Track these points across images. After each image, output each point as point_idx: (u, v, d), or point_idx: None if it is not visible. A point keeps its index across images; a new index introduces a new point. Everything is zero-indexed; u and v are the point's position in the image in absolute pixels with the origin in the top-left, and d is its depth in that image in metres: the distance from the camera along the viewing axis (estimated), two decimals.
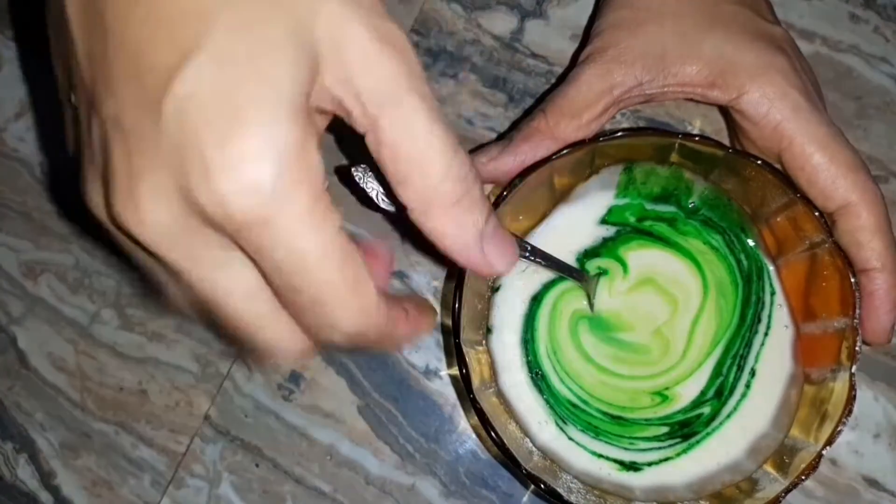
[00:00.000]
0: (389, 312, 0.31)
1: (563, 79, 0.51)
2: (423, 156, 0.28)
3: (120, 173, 0.27)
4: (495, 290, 0.47)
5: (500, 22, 0.53)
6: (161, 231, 0.27)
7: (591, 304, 0.46)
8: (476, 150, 0.45)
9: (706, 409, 0.46)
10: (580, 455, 0.46)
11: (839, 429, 0.39)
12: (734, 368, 0.46)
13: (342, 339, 0.30)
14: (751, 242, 0.46)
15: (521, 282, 0.47)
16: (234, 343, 0.34)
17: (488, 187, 0.51)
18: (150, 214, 0.27)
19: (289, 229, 0.26)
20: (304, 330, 0.30)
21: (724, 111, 0.47)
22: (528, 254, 0.41)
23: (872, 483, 0.48)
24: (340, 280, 0.28)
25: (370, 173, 0.34)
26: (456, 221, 0.30)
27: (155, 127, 0.26)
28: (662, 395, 0.46)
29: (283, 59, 0.26)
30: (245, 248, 0.27)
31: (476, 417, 0.41)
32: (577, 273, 0.46)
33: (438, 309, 0.52)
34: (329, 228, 0.27)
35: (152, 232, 0.27)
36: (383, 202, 0.34)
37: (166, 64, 0.25)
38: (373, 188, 0.33)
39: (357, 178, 0.33)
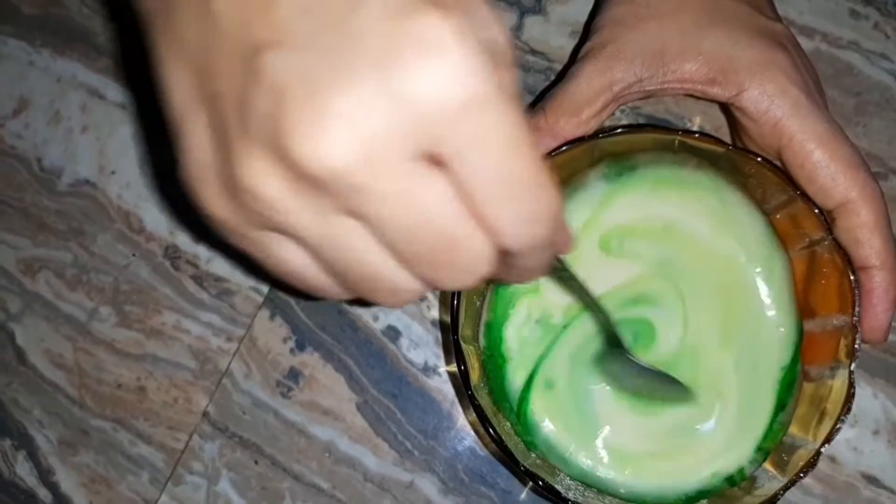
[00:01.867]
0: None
1: (562, 75, 0.51)
2: None
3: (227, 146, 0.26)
4: (496, 286, 0.47)
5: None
6: (278, 206, 0.25)
7: (620, 340, 0.43)
8: None
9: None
10: (576, 458, 0.46)
11: (838, 426, 0.39)
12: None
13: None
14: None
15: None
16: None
17: None
18: (261, 190, 0.25)
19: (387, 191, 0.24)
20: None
21: (725, 108, 0.47)
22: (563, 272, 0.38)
23: (871, 480, 0.48)
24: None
25: None
26: None
27: (251, 93, 0.24)
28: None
29: None
30: (356, 209, 0.25)
31: (475, 414, 0.41)
32: (601, 311, 0.43)
33: (437, 306, 0.52)
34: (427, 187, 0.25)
35: (271, 209, 0.26)
36: None
37: (259, 38, 0.24)
38: None
39: None
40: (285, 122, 0.23)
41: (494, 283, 0.46)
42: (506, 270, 0.29)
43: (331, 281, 0.29)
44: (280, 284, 0.53)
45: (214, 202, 0.27)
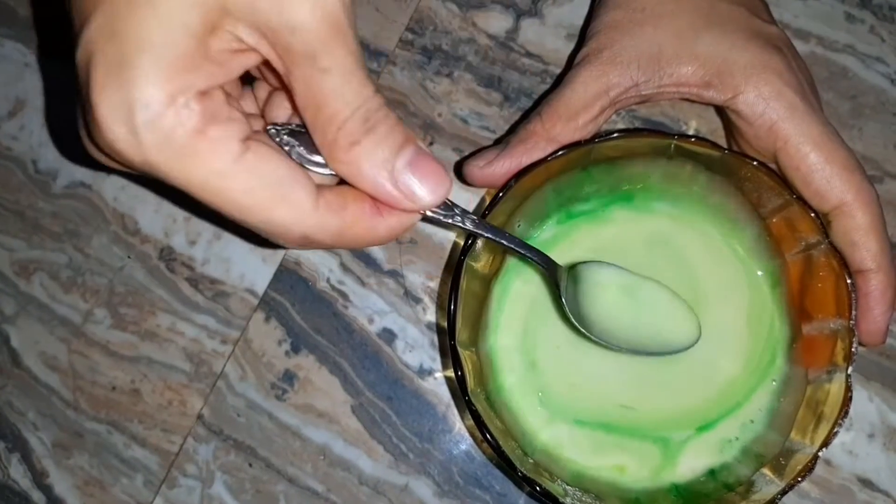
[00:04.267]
0: (344, 210, 0.32)
1: (558, 78, 0.51)
2: (329, 105, 0.30)
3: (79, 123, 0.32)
4: (492, 290, 0.47)
5: (496, 21, 0.53)
6: (113, 165, 0.32)
7: (560, 294, 0.43)
8: (474, 154, 0.45)
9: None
10: (572, 460, 0.46)
11: (835, 430, 0.39)
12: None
13: (291, 245, 0.33)
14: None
15: (520, 281, 0.47)
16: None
17: (484, 191, 0.51)
18: (94, 156, 0.32)
19: (176, 165, 0.29)
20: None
21: (720, 111, 0.47)
22: (460, 220, 0.36)
23: (867, 483, 0.48)
24: (251, 200, 0.31)
25: (285, 133, 0.34)
26: (362, 159, 0.31)
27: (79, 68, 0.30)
28: None
29: (178, 8, 0.28)
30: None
31: (471, 418, 0.41)
32: (538, 255, 0.42)
33: (433, 309, 0.52)
34: (221, 156, 0.29)
35: (110, 166, 0.32)
36: (305, 161, 0.33)
37: (85, 14, 0.29)
38: (290, 146, 0.33)
39: (272, 136, 0.33)
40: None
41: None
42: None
43: None
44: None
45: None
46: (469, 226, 0.36)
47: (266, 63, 0.31)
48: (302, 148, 0.33)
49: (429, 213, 0.34)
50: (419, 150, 0.32)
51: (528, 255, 0.41)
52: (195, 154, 0.29)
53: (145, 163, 0.29)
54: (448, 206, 0.36)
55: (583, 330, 0.43)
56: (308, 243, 0.33)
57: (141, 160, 0.29)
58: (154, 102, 0.28)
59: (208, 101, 0.29)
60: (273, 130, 0.33)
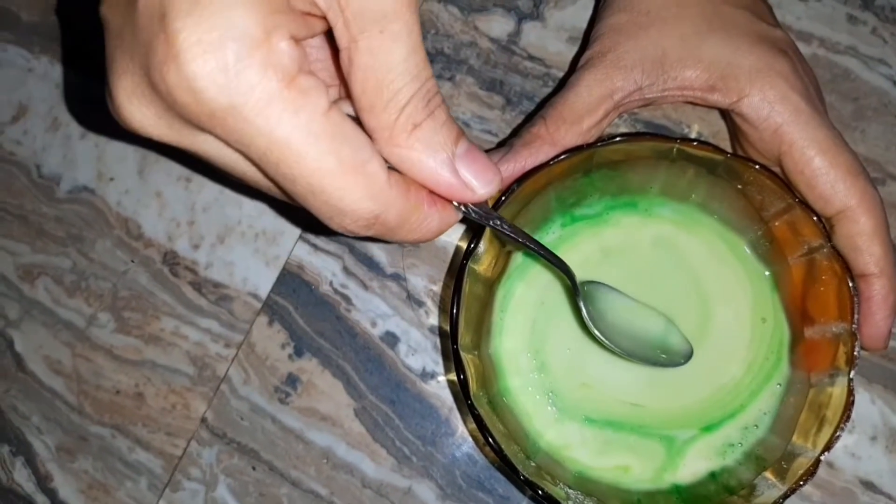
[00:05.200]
0: (408, 193, 0.30)
1: (561, 82, 0.51)
2: (395, 81, 0.28)
3: (110, 74, 0.28)
4: (495, 294, 0.47)
5: (497, 24, 0.53)
6: (156, 130, 0.28)
7: (574, 289, 0.43)
8: None
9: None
10: (577, 461, 0.46)
11: (838, 434, 0.39)
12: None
13: (358, 227, 0.30)
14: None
15: (524, 285, 0.47)
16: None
17: None
18: (136, 115, 0.28)
19: (262, 115, 0.26)
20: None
21: (725, 114, 0.47)
22: (498, 223, 0.37)
23: (869, 486, 0.48)
24: (335, 163, 0.27)
25: None
26: (423, 144, 0.30)
27: (131, 22, 0.26)
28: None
29: None
30: (229, 142, 0.28)
31: (474, 422, 0.41)
32: (557, 260, 0.42)
33: (436, 313, 0.52)
34: (309, 110, 0.27)
35: (150, 131, 0.29)
36: None
37: None
38: None
39: None
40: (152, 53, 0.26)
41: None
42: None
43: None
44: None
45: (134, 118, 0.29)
46: (507, 230, 0.36)
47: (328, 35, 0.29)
48: None
49: (472, 211, 0.34)
50: (471, 143, 0.31)
51: (553, 262, 0.41)
52: (284, 104, 0.26)
53: (227, 109, 0.26)
54: (487, 209, 0.35)
55: (600, 337, 0.43)
56: (373, 225, 0.30)
57: (223, 105, 0.26)
58: (251, 36, 0.25)
59: (299, 49, 0.27)
60: None
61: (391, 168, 0.30)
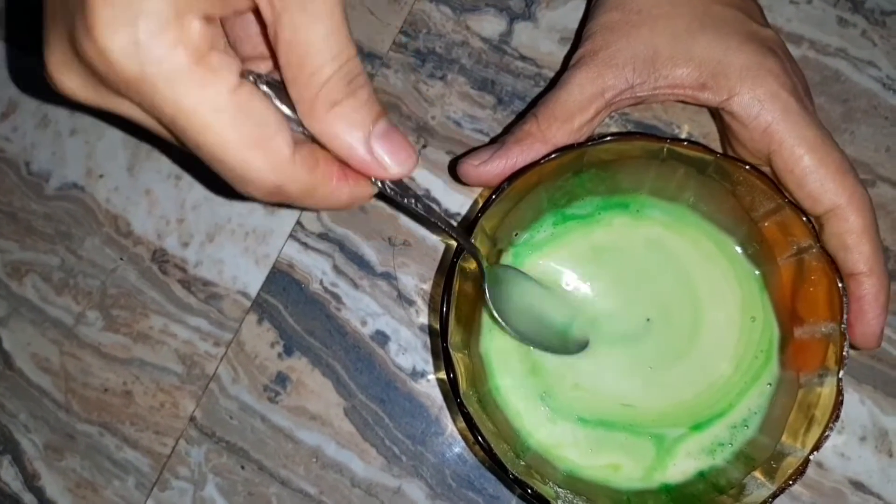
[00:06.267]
0: (315, 168, 0.32)
1: (552, 82, 0.51)
2: (315, 57, 0.30)
3: (44, 45, 0.31)
4: (485, 292, 0.47)
5: (489, 24, 0.53)
6: (84, 94, 0.31)
7: (481, 271, 0.43)
8: (467, 153, 0.45)
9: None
10: (568, 460, 0.46)
11: (827, 434, 0.39)
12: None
13: (261, 195, 0.32)
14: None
15: (515, 282, 0.47)
16: None
17: (478, 190, 0.51)
18: (66, 82, 0.31)
19: (170, 87, 0.28)
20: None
21: (715, 113, 0.47)
22: (413, 202, 0.37)
23: (858, 486, 0.48)
24: (236, 137, 0.29)
25: (263, 83, 0.33)
26: (340, 121, 0.31)
27: None
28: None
29: None
30: (143, 107, 0.30)
31: (463, 421, 0.41)
32: (468, 244, 0.42)
33: (426, 312, 0.52)
34: (217, 86, 0.29)
35: (79, 95, 0.31)
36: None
37: None
38: (268, 96, 0.33)
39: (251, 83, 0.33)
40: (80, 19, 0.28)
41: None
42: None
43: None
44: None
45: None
46: (420, 209, 0.37)
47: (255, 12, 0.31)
48: (277, 101, 0.33)
49: (388, 188, 0.35)
50: (391, 123, 0.33)
51: (465, 246, 0.41)
52: (192, 78, 0.28)
53: (138, 79, 0.28)
54: (405, 187, 0.36)
55: (498, 318, 0.44)
56: (277, 194, 0.32)
57: (135, 75, 0.28)
58: (162, 14, 0.27)
59: (213, 28, 0.29)
60: (252, 77, 0.33)
61: (315, 141, 0.33)
